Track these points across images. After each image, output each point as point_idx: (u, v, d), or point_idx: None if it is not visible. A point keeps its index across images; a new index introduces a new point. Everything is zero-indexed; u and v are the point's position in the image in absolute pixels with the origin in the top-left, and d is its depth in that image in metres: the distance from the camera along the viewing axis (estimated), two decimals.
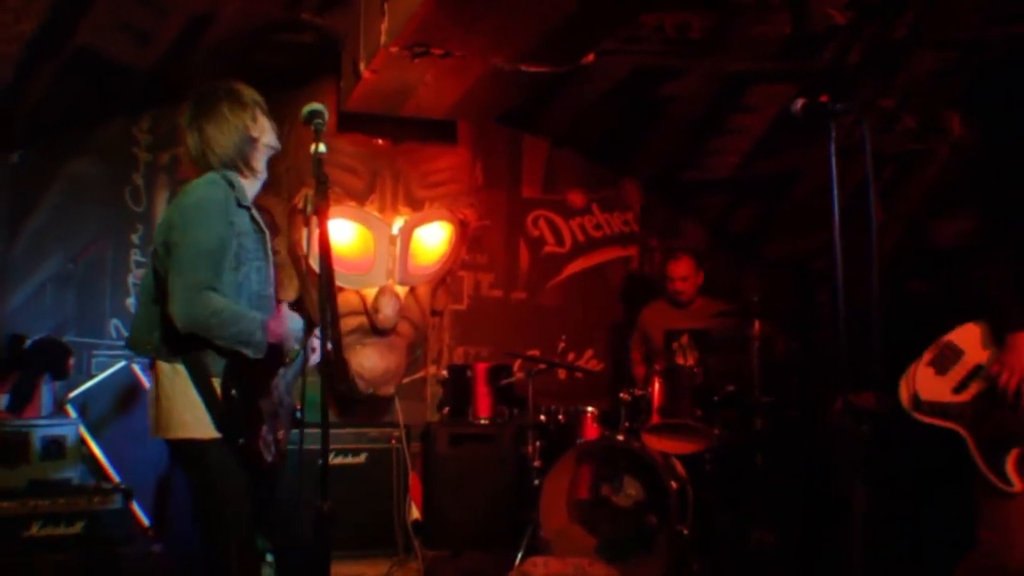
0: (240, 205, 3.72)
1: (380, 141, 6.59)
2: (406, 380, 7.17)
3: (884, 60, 5.69)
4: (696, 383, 6.10)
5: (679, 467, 5.98)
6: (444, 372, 7.21)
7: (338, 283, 6.47)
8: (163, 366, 3.65)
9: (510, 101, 6.15)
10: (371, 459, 6.56)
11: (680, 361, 6.42)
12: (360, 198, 6.54)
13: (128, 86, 6.26)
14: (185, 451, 3.65)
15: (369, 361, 6.62)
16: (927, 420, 4.17)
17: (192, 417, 3.57)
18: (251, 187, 3.87)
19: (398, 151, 6.65)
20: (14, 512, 5.18)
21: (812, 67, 5.75)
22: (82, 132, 6.65)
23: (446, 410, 7.09)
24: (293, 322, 3.78)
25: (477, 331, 7.61)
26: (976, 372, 4.14)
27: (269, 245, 3.90)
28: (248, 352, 3.57)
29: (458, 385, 7.01)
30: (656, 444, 6.08)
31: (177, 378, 3.61)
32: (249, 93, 3.90)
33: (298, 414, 4.01)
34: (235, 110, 3.81)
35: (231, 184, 3.73)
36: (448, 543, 6.50)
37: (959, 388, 4.13)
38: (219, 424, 3.56)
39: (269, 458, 3.67)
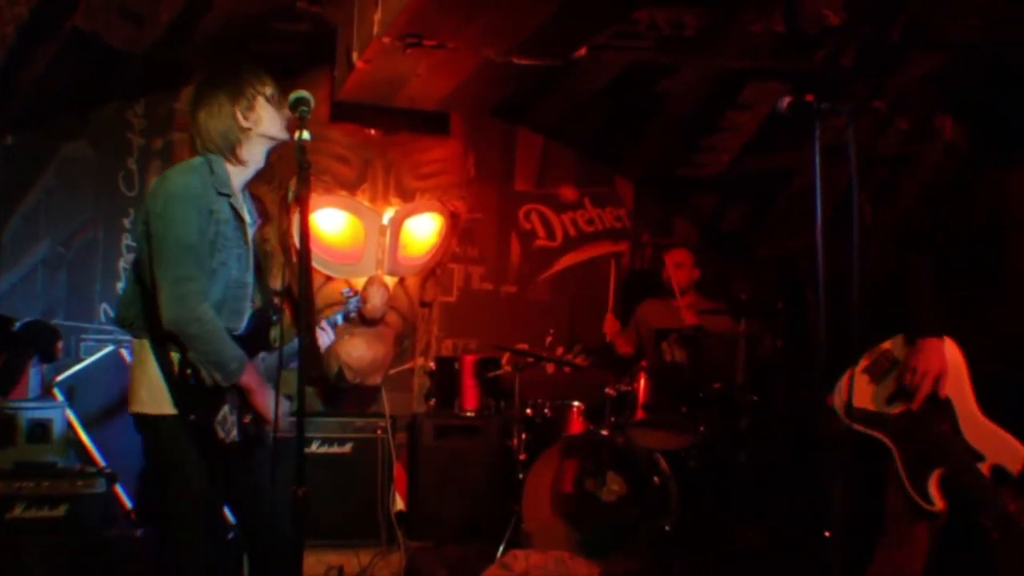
0: (220, 192, 3.72)
1: (373, 131, 6.60)
2: (393, 371, 7.18)
3: (877, 62, 5.69)
4: (682, 380, 6.12)
5: (663, 463, 5.95)
6: (432, 364, 7.24)
7: (328, 272, 6.51)
8: (135, 342, 3.73)
9: (503, 94, 6.16)
10: (357, 449, 6.54)
11: (668, 359, 6.42)
12: (351, 187, 6.55)
13: (124, 70, 6.25)
14: (141, 425, 3.71)
15: (356, 351, 6.62)
16: (858, 428, 4.05)
17: (147, 392, 3.64)
18: (239, 174, 3.85)
19: (390, 141, 6.66)
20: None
21: (806, 66, 5.76)
22: (77, 115, 6.65)
23: (433, 402, 7.11)
24: (269, 397, 3.77)
25: (466, 323, 7.61)
26: None
27: (250, 233, 3.89)
28: (217, 376, 3.62)
29: (445, 377, 7.04)
30: (641, 440, 6.08)
31: (144, 353, 3.67)
32: (252, 82, 3.86)
33: (283, 400, 3.96)
34: (230, 98, 3.80)
35: (211, 170, 3.74)
36: (432, 534, 6.50)
37: (892, 399, 4.01)
38: (173, 400, 3.61)
39: (228, 439, 3.69)
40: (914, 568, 3.91)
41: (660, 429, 6.13)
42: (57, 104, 6.42)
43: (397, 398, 7.13)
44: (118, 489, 5.69)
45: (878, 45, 5.54)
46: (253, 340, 3.84)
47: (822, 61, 5.66)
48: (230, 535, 4.65)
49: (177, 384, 3.62)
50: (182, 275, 3.53)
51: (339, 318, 4.40)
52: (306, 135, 3.51)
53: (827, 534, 4.77)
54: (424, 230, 6.87)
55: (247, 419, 3.78)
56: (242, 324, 3.82)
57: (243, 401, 3.76)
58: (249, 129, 3.83)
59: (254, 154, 3.89)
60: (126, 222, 6.78)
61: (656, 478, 5.81)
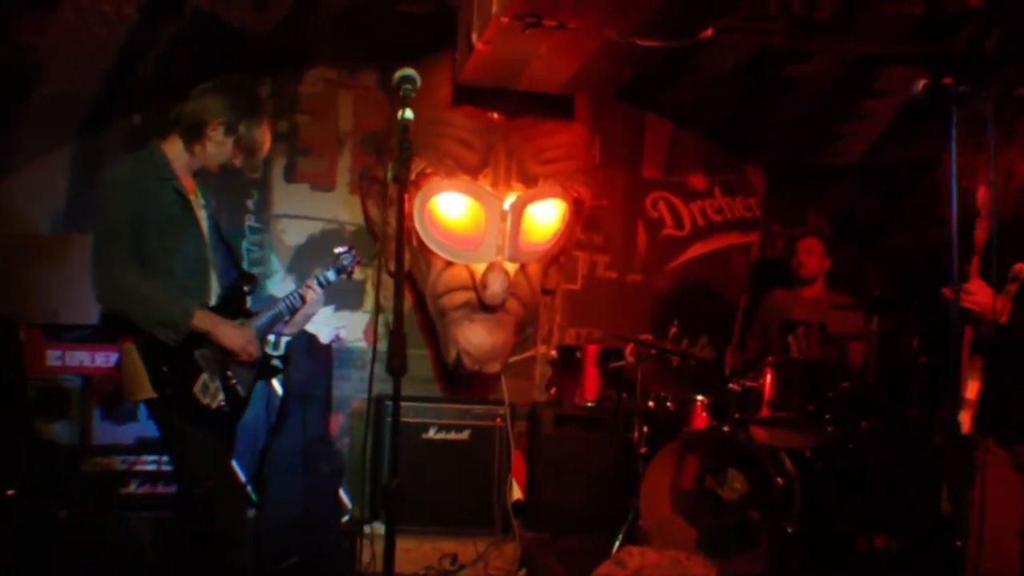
0: (160, 178, 3.93)
1: (495, 115, 6.53)
2: (514, 358, 7.10)
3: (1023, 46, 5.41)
4: (809, 377, 5.90)
5: (787, 462, 5.79)
6: (553, 352, 7.12)
7: (448, 257, 6.48)
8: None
9: (626, 77, 6.03)
10: (475, 436, 6.53)
11: (795, 354, 6.21)
12: (473, 172, 6.50)
13: (247, 50, 6.27)
14: (148, 410, 3.93)
15: (476, 337, 6.57)
16: None
17: (144, 380, 3.83)
18: (189, 162, 4.07)
19: (513, 125, 6.57)
20: (115, 468, 5.29)
21: (946, 51, 5.50)
22: None
23: (553, 391, 7.00)
24: (229, 331, 4.00)
25: (590, 312, 7.48)
26: None
27: (202, 212, 4.11)
28: (170, 334, 3.82)
29: (567, 366, 6.92)
30: (764, 437, 5.92)
31: (127, 345, 3.87)
32: (258, 116, 4.09)
33: (276, 362, 4.36)
34: (186, 136, 4.04)
35: (151, 158, 3.99)
36: (547, 525, 6.42)
37: None
38: (151, 382, 3.81)
39: (214, 404, 3.93)
40: None
41: (785, 427, 5.95)
42: (183, 84, 6.46)
43: (518, 386, 7.08)
44: (234, 465, 5.72)
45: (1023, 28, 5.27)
46: (228, 310, 4.08)
47: (963, 45, 5.40)
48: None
49: (150, 364, 3.81)
50: (109, 259, 3.79)
51: (330, 275, 4.45)
52: (409, 114, 3.47)
53: (958, 543, 4.56)
54: (547, 216, 6.75)
55: (232, 381, 4.00)
56: (208, 296, 4.05)
57: (224, 365, 3.98)
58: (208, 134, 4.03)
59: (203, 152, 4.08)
60: (249, 203, 6.82)
61: (780, 478, 5.64)
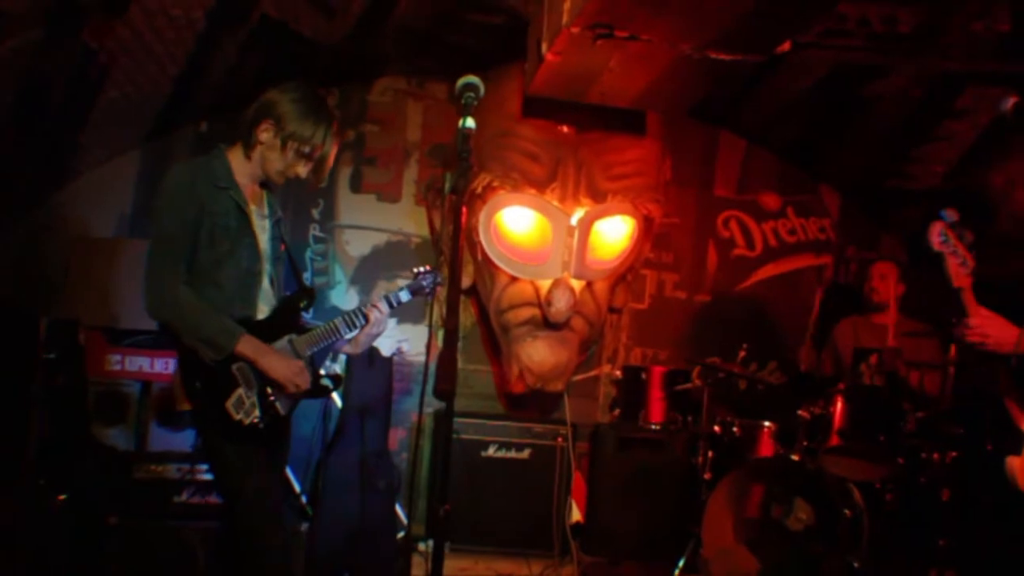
0: (217, 186, 3.81)
1: (565, 128, 6.38)
2: (578, 377, 6.99)
3: None
4: (881, 406, 5.70)
5: (856, 494, 5.59)
6: (618, 372, 6.97)
7: (512, 272, 6.37)
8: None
9: (701, 93, 5.85)
10: (535, 455, 6.43)
11: (867, 382, 6.02)
12: (541, 186, 6.36)
13: (315, 59, 6.24)
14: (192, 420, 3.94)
15: (539, 355, 6.45)
16: None
17: (182, 390, 3.79)
18: (250, 171, 3.92)
19: (583, 140, 6.42)
20: (170, 476, 5.25)
21: None
22: None
23: (617, 412, 6.85)
24: (275, 361, 3.86)
25: (657, 332, 7.36)
26: None
27: (259, 222, 3.96)
28: (210, 352, 3.72)
29: (632, 387, 6.76)
30: (834, 467, 5.72)
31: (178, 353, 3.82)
32: (312, 117, 3.88)
33: (326, 381, 4.13)
34: (243, 142, 3.90)
35: (210, 165, 3.84)
36: (607, 550, 6.29)
37: None
38: (187, 392, 3.74)
39: (248, 420, 3.77)
40: None
41: (855, 457, 5.74)
42: (250, 92, 6.44)
43: (581, 406, 6.98)
44: (288, 473, 5.67)
45: None
46: (278, 325, 3.95)
47: None
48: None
49: (186, 377, 3.74)
50: (159, 269, 3.69)
51: (403, 295, 4.29)
52: (470, 123, 3.40)
53: None
54: (615, 233, 6.61)
55: (271, 398, 3.85)
56: (255, 310, 3.92)
57: (264, 381, 3.83)
58: (261, 142, 3.89)
59: (255, 157, 3.94)
60: (315, 212, 6.79)
61: (848, 510, 5.46)
